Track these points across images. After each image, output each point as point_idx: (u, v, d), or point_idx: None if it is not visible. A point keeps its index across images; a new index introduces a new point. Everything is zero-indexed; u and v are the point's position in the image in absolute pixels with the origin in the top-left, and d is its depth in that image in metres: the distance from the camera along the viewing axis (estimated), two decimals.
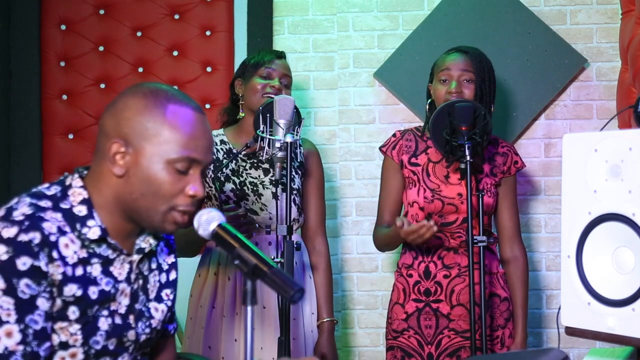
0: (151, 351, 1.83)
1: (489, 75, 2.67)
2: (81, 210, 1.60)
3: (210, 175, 2.64)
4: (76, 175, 1.65)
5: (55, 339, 1.56)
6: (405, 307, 2.67)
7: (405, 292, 2.68)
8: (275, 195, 2.48)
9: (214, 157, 2.67)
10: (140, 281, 1.71)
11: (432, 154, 2.71)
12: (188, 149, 1.59)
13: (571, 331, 1.55)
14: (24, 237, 1.49)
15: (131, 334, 1.68)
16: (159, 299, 1.76)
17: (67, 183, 1.64)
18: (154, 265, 1.76)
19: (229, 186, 2.63)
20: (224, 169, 2.65)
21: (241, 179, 2.65)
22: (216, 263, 2.65)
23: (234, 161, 2.66)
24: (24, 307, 1.49)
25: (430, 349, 2.63)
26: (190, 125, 1.60)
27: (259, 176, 2.65)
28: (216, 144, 2.69)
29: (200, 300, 2.65)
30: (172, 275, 1.81)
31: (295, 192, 2.66)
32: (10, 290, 1.47)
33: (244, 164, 2.67)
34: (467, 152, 2.44)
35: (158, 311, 1.75)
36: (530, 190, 3.42)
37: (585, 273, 1.51)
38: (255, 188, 2.63)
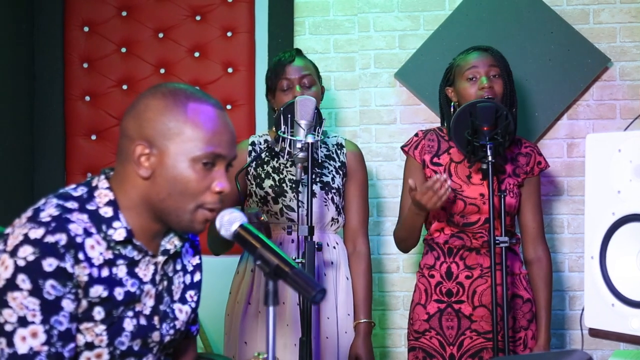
0: (173, 352, 1.84)
1: (509, 70, 2.68)
2: (107, 212, 1.61)
3: (252, 173, 2.70)
4: (102, 177, 1.66)
5: (81, 340, 1.57)
6: (427, 307, 2.66)
7: (427, 293, 2.67)
8: (312, 193, 2.50)
9: (257, 154, 2.73)
10: (165, 282, 1.72)
11: (455, 154, 2.70)
12: (212, 144, 1.59)
13: (595, 332, 1.54)
14: (50, 239, 1.50)
15: (156, 335, 1.69)
16: (183, 300, 1.77)
17: (94, 184, 1.65)
18: (178, 267, 1.77)
19: (268, 183, 2.68)
20: (264, 166, 2.69)
21: (281, 176, 2.69)
22: (253, 260, 2.67)
23: (276, 159, 2.70)
24: (49, 308, 1.50)
25: (452, 349, 2.62)
26: (212, 122, 1.60)
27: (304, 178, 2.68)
28: (260, 143, 2.75)
29: (237, 296, 2.69)
30: (197, 277, 1.82)
31: (334, 191, 2.69)
32: (36, 291, 1.48)
33: (285, 161, 2.70)
34: (488, 153, 2.43)
35: (182, 312, 1.76)
36: (552, 191, 3.40)
37: (609, 274, 1.50)
38: (294, 185, 2.65)
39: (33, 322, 1.48)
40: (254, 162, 2.71)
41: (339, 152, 2.76)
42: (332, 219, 2.69)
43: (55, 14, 3.63)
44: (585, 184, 1.56)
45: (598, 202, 1.52)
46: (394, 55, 3.44)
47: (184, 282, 1.78)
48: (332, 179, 2.70)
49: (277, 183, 2.68)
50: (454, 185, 2.65)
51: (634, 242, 1.47)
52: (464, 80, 2.64)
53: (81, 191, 1.63)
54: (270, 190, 2.67)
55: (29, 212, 1.56)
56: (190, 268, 1.80)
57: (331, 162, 2.73)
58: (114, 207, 1.62)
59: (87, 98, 3.64)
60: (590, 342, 3.07)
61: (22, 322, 1.48)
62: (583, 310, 1.56)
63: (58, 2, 3.63)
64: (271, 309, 1.46)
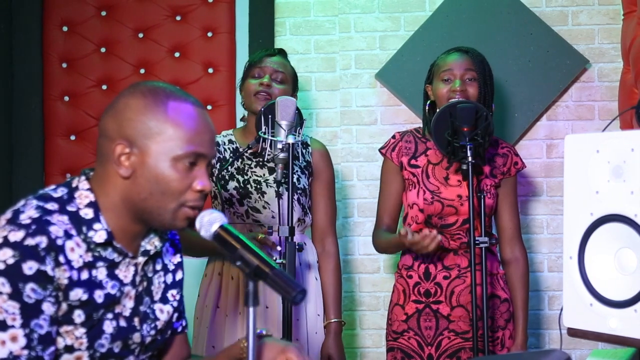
0: (164, 350, 1.82)
1: (489, 75, 2.69)
2: (87, 213, 1.60)
3: (216, 175, 2.66)
4: (83, 178, 1.64)
5: (61, 343, 1.56)
6: (405, 308, 2.67)
7: (405, 294, 2.68)
8: (277, 194, 2.49)
9: (221, 156, 2.70)
10: (145, 283, 1.71)
11: (432, 155, 2.71)
12: (193, 143, 1.59)
13: (573, 332, 1.55)
14: (30, 241, 1.49)
15: (136, 337, 1.68)
16: (164, 300, 1.76)
17: (74, 185, 1.63)
18: (158, 267, 1.76)
19: (232, 184, 2.65)
20: (229, 168, 2.66)
21: (245, 177, 2.66)
22: (220, 263, 2.66)
23: (240, 160, 2.68)
24: (30, 312, 1.48)
25: (431, 350, 2.63)
26: (192, 120, 1.60)
27: (264, 174, 2.66)
28: (224, 144, 2.72)
29: (205, 300, 2.67)
30: (179, 275, 1.81)
31: (300, 191, 2.67)
32: (16, 295, 1.47)
33: (249, 162, 2.69)
34: (469, 153, 2.44)
35: (163, 312, 1.75)
36: (531, 191, 3.42)
37: (588, 274, 1.51)
38: (258, 186, 2.64)
39: (13, 326, 1.47)
40: (218, 164, 2.68)
41: (304, 151, 2.74)
42: (299, 220, 2.67)
43: (34, 13, 3.60)
44: (564, 185, 1.57)
45: (577, 202, 1.53)
46: (374, 56, 3.44)
47: (165, 281, 1.77)
48: (298, 179, 2.67)
49: (241, 184, 2.65)
50: (431, 187, 2.65)
51: (612, 242, 1.48)
52: (439, 80, 2.66)
53: (61, 192, 1.61)
54: (235, 192, 2.64)
55: (8, 214, 1.54)
56: (171, 267, 1.79)
57: (296, 162, 2.68)
58: (95, 209, 1.60)
59: (66, 98, 3.61)
60: (569, 342, 3.09)
61: (2, 326, 1.46)
62: (562, 310, 1.57)
63: (37, 1, 3.59)
64: (251, 309, 1.45)
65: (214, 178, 2.67)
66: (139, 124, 1.58)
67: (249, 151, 2.65)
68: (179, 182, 1.59)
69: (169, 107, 1.59)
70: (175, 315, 1.80)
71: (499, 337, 2.65)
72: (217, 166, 2.68)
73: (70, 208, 1.59)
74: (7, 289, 1.46)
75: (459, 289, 2.63)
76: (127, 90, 1.64)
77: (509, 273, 2.71)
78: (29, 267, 1.48)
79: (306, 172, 2.72)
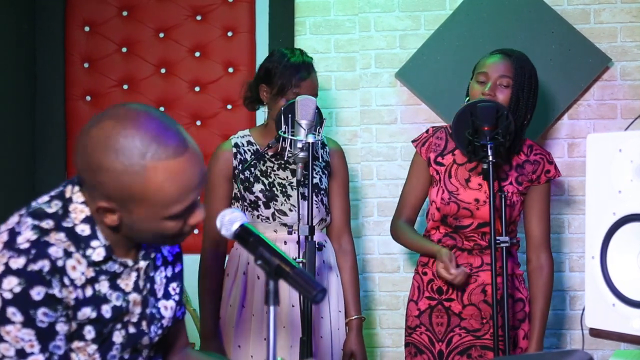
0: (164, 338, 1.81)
1: (529, 82, 2.62)
2: (84, 230, 1.54)
3: (240, 177, 2.67)
4: (77, 189, 1.57)
5: (74, 358, 1.56)
6: (418, 304, 2.68)
7: (420, 290, 2.70)
8: (304, 196, 2.49)
9: (242, 157, 2.69)
10: (148, 285, 1.68)
11: (458, 155, 2.69)
12: (179, 202, 1.51)
13: (595, 332, 1.54)
14: (33, 267, 1.46)
15: (145, 340, 1.67)
16: (166, 295, 1.74)
17: (67, 196, 1.57)
18: (159, 262, 1.73)
19: (258, 187, 2.66)
20: (252, 170, 2.66)
21: (270, 179, 2.67)
22: (245, 262, 2.67)
23: (262, 162, 2.68)
24: (45, 336, 1.47)
25: (441, 346, 2.64)
26: (175, 180, 1.48)
27: (287, 177, 2.67)
28: (243, 145, 2.71)
29: (230, 300, 2.67)
30: (178, 267, 1.79)
31: (323, 192, 2.69)
32: (29, 322, 1.45)
33: (272, 165, 2.69)
34: (489, 153, 2.43)
35: (167, 309, 1.73)
36: (553, 191, 3.39)
37: (610, 274, 1.50)
38: (284, 189, 2.65)
39: (32, 353, 1.46)
40: (241, 165, 2.68)
41: (322, 151, 2.74)
42: (322, 219, 2.70)
43: (56, 14, 3.63)
44: (586, 184, 1.56)
45: (599, 202, 1.52)
46: (394, 55, 3.44)
47: (165, 275, 1.74)
48: (320, 180, 2.69)
49: (267, 187, 2.66)
50: (450, 187, 2.65)
51: (634, 242, 1.47)
52: (475, 80, 2.65)
53: (55, 206, 1.55)
54: (261, 195, 2.65)
55: (5, 236, 1.50)
56: (170, 258, 1.77)
57: (317, 163, 2.69)
58: (91, 224, 1.55)
59: (88, 98, 3.64)
60: (591, 342, 3.06)
61: (21, 354, 1.46)
62: (584, 310, 1.56)
63: (59, 2, 3.63)
64: (272, 308, 1.46)
65: (238, 180, 2.68)
66: (117, 191, 1.48)
67: (267, 151, 2.65)
68: (173, 228, 1.55)
69: (148, 171, 1.46)
70: (177, 308, 1.79)
71: (512, 336, 2.64)
72: (239, 167, 2.69)
73: (66, 224, 1.53)
74: (19, 317, 1.45)
75: (470, 288, 2.63)
76: (98, 140, 1.47)
77: (532, 281, 2.69)
78: (37, 292, 1.46)
79: (326, 172, 2.74)
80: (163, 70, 3.61)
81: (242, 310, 2.65)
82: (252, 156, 2.69)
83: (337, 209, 2.76)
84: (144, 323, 1.66)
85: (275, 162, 2.69)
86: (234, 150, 2.71)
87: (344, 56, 3.47)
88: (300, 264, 2.35)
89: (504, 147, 2.50)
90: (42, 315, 1.46)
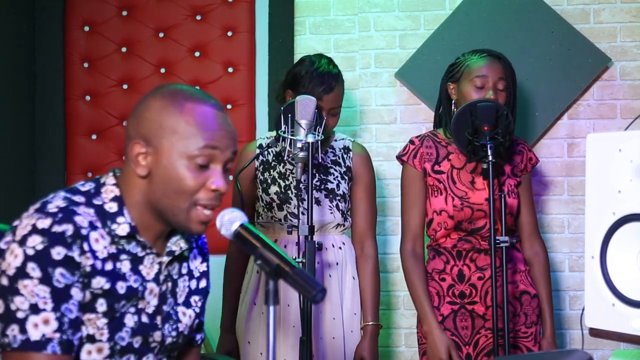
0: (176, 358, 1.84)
1: (514, 79, 2.67)
2: (112, 207, 1.63)
3: (259, 178, 2.70)
4: (110, 174, 1.68)
5: (84, 331, 1.58)
6: (440, 309, 2.65)
7: (440, 295, 2.66)
8: (317, 201, 2.50)
9: (264, 159, 2.72)
10: (169, 284, 1.72)
11: (454, 159, 2.69)
12: (207, 142, 1.60)
13: (595, 332, 1.54)
14: (57, 228, 1.53)
15: (157, 335, 1.69)
16: (187, 304, 1.77)
17: (102, 181, 1.67)
18: (184, 270, 1.77)
19: (274, 189, 2.68)
20: (271, 171, 2.69)
21: (287, 182, 2.68)
22: (254, 259, 2.68)
23: (282, 164, 2.70)
24: (60, 296, 1.52)
25: (468, 349, 2.62)
26: (207, 120, 1.61)
27: (305, 180, 2.66)
28: (267, 146, 2.72)
29: (245, 297, 2.72)
30: (202, 284, 1.82)
31: (339, 197, 2.69)
32: (46, 279, 1.50)
33: (291, 167, 2.69)
34: (489, 152, 2.43)
35: (186, 316, 1.76)
36: (553, 191, 3.40)
37: (610, 274, 1.50)
38: (299, 192, 2.65)
39: (44, 310, 1.50)
40: (262, 167, 2.71)
41: (345, 156, 2.75)
42: (337, 225, 2.71)
43: (56, 13, 3.63)
44: (586, 184, 1.56)
45: (598, 202, 1.52)
46: (394, 55, 3.44)
47: (189, 286, 1.78)
48: (337, 186, 2.70)
49: (282, 190, 2.68)
50: (459, 193, 2.64)
51: (634, 242, 1.47)
52: (470, 84, 2.61)
53: (89, 187, 1.65)
54: (275, 197, 2.68)
55: (37, 204, 1.59)
56: (197, 274, 1.81)
57: (337, 168, 2.71)
58: (119, 203, 1.63)
59: (88, 98, 3.64)
60: (591, 342, 3.07)
61: (34, 309, 1.50)
62: (583, 310, 1.56)
63: (59, 2, 3.63)
64: (271, 308, 1.46)
65: (257, 180, 2.70)
66: (154, 124, 1.61)
67: (268, 149, 2.67)
68: (193, 180, 1.60)
69: (185, 107, 1.61)
70: (196, 322, 1.81)
71: (532, 332, 2.65)
72: (260, 169, 2.72)
73: (96, 201, 1.62)
74: (37, 273, 1.50)
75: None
76: (151, 92, 1.68)
77: (532, 269, 2.71)
78: (57, 252, 1.51)
79: (346, 177, 2.73)
80: (163, 70, 3.61)
81: (253, 308, 2.68)
82: (274, 158, 2.72)
83: (360, 214, 2.75)
84: (158, 318, 1.69)
85: (288, 159, 2.70)
86: (258, 151, 2.74)
87: (343, 56, 3.46)
88: (300, 264, 2.34)
89: (503, 146, 2.50)
90: (59, 275, 1.51)
